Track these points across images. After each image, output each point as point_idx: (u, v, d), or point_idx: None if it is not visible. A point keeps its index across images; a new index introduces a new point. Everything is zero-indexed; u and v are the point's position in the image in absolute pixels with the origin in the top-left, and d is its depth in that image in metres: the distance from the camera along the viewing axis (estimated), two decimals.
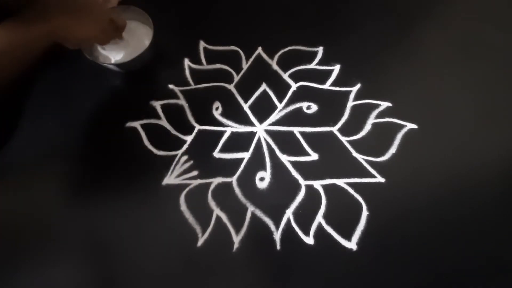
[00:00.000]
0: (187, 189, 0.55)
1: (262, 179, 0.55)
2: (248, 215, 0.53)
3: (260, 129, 0.59)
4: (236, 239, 0.51)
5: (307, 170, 0.56)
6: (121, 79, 0.64)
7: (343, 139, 0.58)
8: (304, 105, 0.61)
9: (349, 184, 0.55)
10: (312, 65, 0.64)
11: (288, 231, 0.52)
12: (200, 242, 0.51)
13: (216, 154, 0.57)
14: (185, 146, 0.58)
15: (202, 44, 0.67)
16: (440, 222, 0.52)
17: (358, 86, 0.62)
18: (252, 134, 0.59)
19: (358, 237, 0.51)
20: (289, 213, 0.53)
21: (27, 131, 0.59)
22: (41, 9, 0.43)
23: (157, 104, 0.61)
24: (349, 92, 0.62)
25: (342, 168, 0.56)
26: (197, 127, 0.60)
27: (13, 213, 0.55)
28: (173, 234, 0.52)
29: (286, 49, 0.66)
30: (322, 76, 0.63)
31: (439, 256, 0.50)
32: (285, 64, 0.64)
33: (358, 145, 0.57)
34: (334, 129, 0.59)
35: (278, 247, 0.51)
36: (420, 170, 0.56)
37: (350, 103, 0.61)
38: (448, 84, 0.62)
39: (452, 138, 0.58)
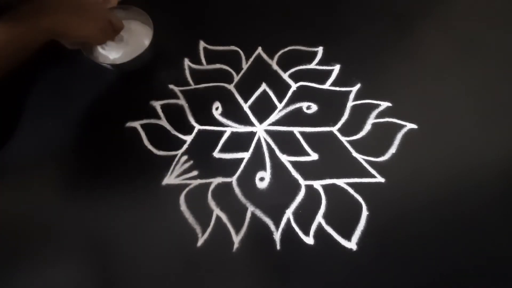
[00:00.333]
0: (187, 189, 0.55)
1: (262, 179, 0.55)
2: (248, 215, 0.53)
3: (260, 129, 0.59)
4: (236, 239, 0.51)
5: (307, 170, 0.56)
6: (121, 79, 0.64)
7: (343, 139, 0.58)
8: (304, 105, 0.61)
9: (349, 184, 0.55)
10: (312, 65, 0.64)
11: (288, 231, 0.52)
12: (200, 242, 0.51)
13: (216, 154, 0.57)
14: (185, 146, 0.58)
15: (202, 44, 0.67)
16: (440, 222, 0.52)
17: (358, 86, 0.62)
18: (252, 134, 0.59)
19: (358, 237, 0.51)
20: (289, 213, 0.53)
21: (27, 131, 0.59)
22: (40, 5, 0.43)
23: (157, 104, 0.61)
24: (349, 92, 0.62)
25: (342, 168, 0.56)
26: (197, 127, 0.60)
27: (13, 213, 0.54)
28: (173, 234, 0.52)
29: (286, 49, 0.66)
30: (322, 76, 0.63)
31: (439, 256, 0.50)
32: (285, 64, 0.64)
33: (358, 145, 0.57)
34: (334, 129, 0.59)
35: (278, 247, 0.51)
36: (420, 170, 0.55)
37: (350, 103, 0.61)
38: (448, 84, 0.62)
39: (452, 138, 0.58)
